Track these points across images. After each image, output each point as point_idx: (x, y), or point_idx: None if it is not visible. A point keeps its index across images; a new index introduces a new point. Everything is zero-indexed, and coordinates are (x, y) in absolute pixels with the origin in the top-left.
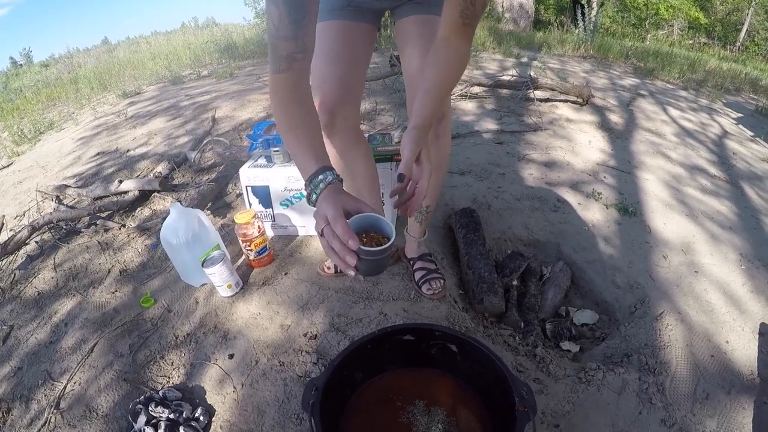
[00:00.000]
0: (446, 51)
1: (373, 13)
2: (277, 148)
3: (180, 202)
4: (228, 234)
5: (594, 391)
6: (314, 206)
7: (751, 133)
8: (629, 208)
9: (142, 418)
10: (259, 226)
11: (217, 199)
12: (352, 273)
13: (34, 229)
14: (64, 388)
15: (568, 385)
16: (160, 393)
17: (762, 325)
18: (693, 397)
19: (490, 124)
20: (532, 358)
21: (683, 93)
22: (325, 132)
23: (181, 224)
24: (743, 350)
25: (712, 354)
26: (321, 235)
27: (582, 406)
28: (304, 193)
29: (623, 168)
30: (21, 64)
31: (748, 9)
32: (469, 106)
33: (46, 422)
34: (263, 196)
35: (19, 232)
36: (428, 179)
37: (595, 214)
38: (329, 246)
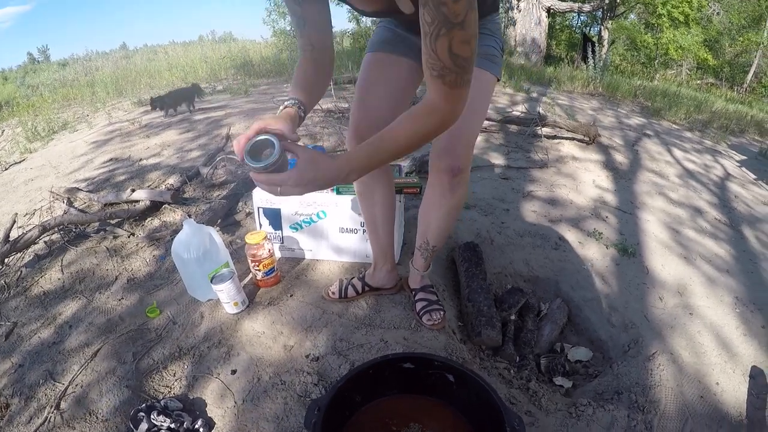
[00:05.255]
0: (420, 103)
1: (418, 51)
2: None
3: (190, 216)
4: (236, 251)
5: (583, 426)
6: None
7: (754, 176)
8: (629, 248)
9: (144, 426)
10: (269, 249)
11: (227, 216)
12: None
13: (44, 229)
14: (66, 389)
15: (559, 419)
16: (162, 402)
17: (753, 367)
18: None
19: (497, 159)
20: (525, 391)
21: (688, 134)
22: None
23: (194, 240)
24: (733, 392)
25: (702, 395)
26: None
27: None
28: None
29: (625, 208)
30: (39, 61)
31: (757, 51)
32: (477, 140)
33: (45, 421)
34: (274, 218)
35: (29, 231)
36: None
37: (594, 253)
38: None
